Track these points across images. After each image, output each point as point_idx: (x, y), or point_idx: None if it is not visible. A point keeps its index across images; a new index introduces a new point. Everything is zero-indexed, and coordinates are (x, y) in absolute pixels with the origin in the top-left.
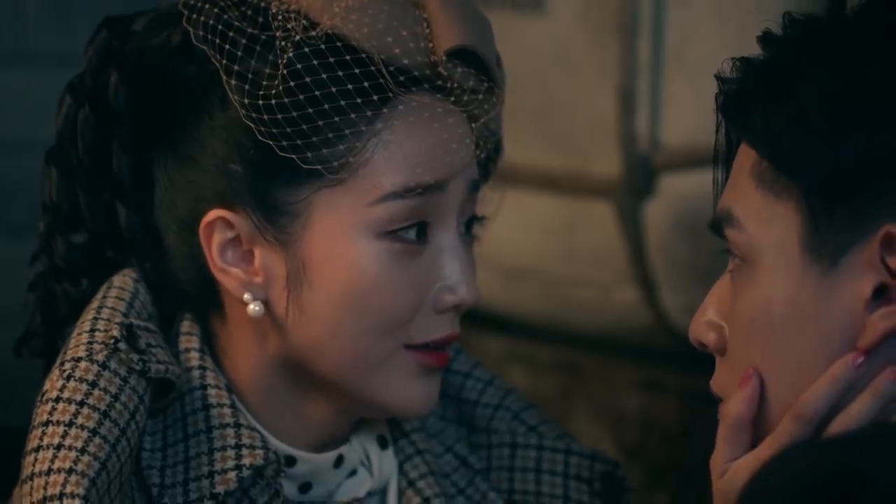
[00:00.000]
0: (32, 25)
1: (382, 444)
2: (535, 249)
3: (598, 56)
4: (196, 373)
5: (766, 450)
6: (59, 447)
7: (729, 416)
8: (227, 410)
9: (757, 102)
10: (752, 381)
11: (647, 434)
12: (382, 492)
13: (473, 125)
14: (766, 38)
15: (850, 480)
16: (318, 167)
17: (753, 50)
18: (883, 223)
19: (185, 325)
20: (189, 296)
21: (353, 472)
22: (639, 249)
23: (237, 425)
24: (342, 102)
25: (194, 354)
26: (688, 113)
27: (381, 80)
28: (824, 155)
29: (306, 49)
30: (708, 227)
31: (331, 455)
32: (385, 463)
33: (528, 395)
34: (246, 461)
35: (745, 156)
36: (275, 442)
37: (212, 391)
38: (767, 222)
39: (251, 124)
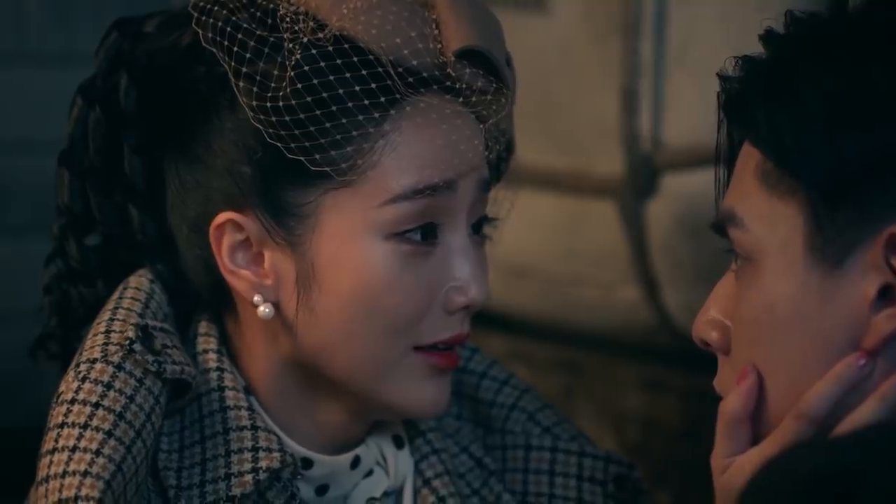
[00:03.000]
0: (34, 25)
1: (398, 443)
2: (538, 248)
3: (600, 56)
4: (214, 374)
5: (768, 448)
6: (74, 449)
7: (726, 412)
8: (244, 413)
9: (760, 101)
10: (750, 378)
11: (648, 433)
12: (398, 491)
13: (483, 126)
14: (768, 37)
15: (849, 479)
16: (327, 169)
17: (755, 49)
18: (887, 224)
19: (203, 326)
20: (202, 297)
21: (370, 473)
22: (641, 249)
23: (254, 427)
24: (350, 104)
25: (212, 356)
26: (690, 112)
27: (389, 82)
28: (827, 153)
29: (314, 51)
30: (710, 228)
31: (347, 456)
32: (401, 463)
33: None
34: (262, 464)
35: (749, 156)
36: (292, 444)
37: (229, 393)
38: (771, 222)
39: (259, 126)
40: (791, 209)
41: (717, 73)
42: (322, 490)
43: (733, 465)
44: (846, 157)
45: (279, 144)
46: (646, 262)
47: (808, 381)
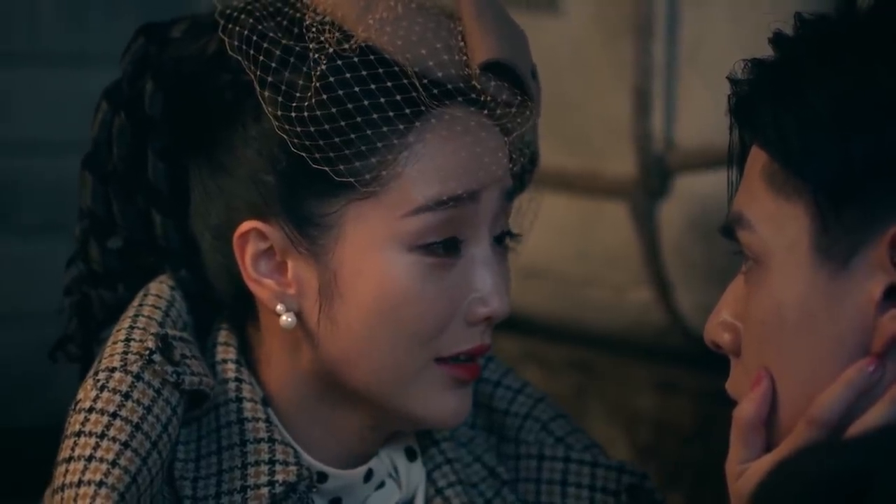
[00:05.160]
0: (47, 26)
1: (411, 456)
2: (550, 249)
3: (612, 56)
4: (232, 385)
5: (781, 453)
6: (90, 459)
7: (740, 418)
8: (261, 425)
9: (766, 103)
10: (764, 383)
11: (660, 434)
12: (409, 502)
13: (507, 139)
14: (777, 40)
15: (860, 480)
16: (351, 180)
17: (767, 50)
18: (892, 224)
19: (223, 335)
20: (225, 304)
21: (381, 485)
22: (653, 249)
23: (271, 440)
24: (375, 116)
25: (231, 366)
26: (702, 113)
27: (414, 95)
28: (832, 154)
29: (340, 62)
30: (719, 231)
31: (361, 470)
32: (413, 475)
33: None
34: (279, 477)
35: (757, 158)
36: (307, 458)
37: (247, 404)
38: (778, 224)
39: (284, 136)
40: (798, 210)
41: (727, 77)
42: (335, 503)
43: (748, 471)
44: (851, 157)
45: (304, 154)
46: (658, 263)
47: (819, 383)
